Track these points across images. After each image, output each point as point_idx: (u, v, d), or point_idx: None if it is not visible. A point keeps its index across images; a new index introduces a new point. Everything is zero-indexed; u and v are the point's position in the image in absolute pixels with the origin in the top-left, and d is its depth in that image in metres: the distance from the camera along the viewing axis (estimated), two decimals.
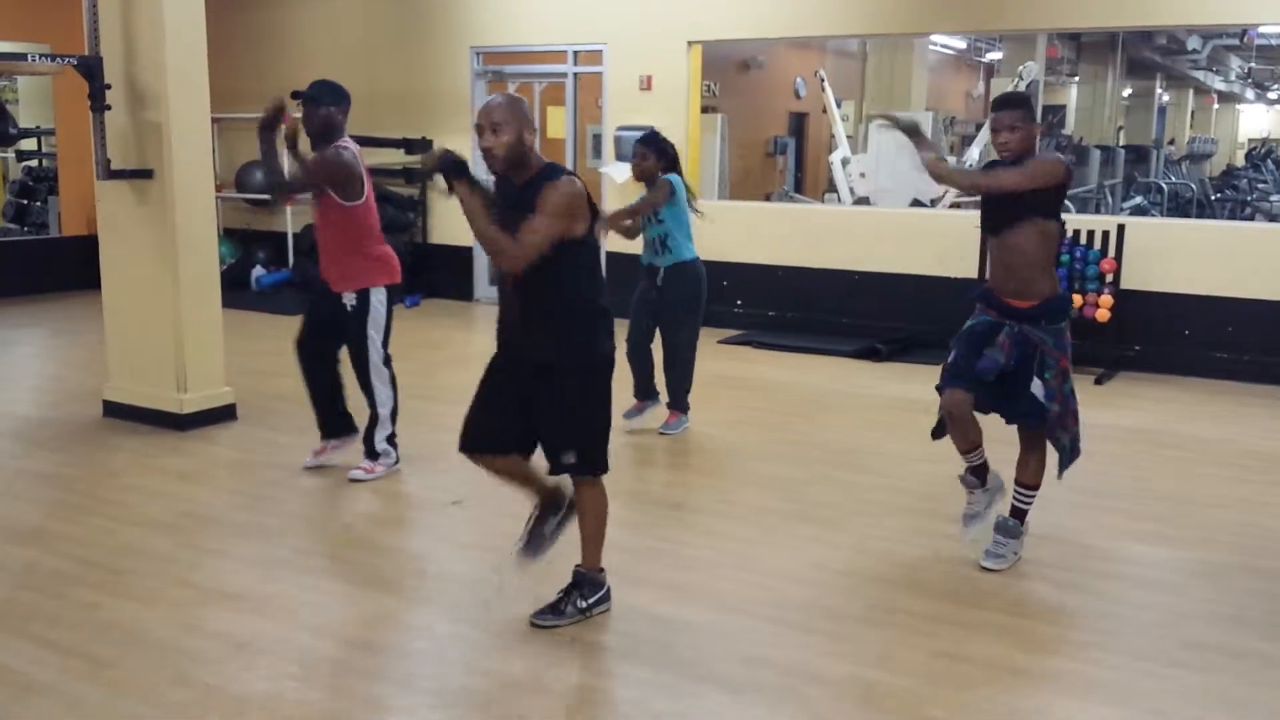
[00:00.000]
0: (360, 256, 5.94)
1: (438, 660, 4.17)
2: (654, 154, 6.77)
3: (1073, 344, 4.97)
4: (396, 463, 6.22)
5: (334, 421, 6.30)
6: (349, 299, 5.94)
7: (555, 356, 4.19)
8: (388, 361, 6.07)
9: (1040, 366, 4.82)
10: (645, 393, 7.15)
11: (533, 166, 4.11)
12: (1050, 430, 4.91)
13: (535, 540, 4.48)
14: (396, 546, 5.39)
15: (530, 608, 4.39)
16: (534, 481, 4.46)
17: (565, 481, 4.42)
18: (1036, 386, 4.83)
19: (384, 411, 6.10)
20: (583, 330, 4.21)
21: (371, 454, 6.16)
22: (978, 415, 4.95)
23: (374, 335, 5.98)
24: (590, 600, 4.39)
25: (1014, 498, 5.06)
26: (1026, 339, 4.81)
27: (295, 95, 5.94)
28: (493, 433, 4.33)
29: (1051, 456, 5.00)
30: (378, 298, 5.97)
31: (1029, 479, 5.02)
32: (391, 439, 6.18)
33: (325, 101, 5.85)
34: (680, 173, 6.89)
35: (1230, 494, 6.15)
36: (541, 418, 4.26)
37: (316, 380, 6.21)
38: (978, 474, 5.06)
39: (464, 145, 12.33)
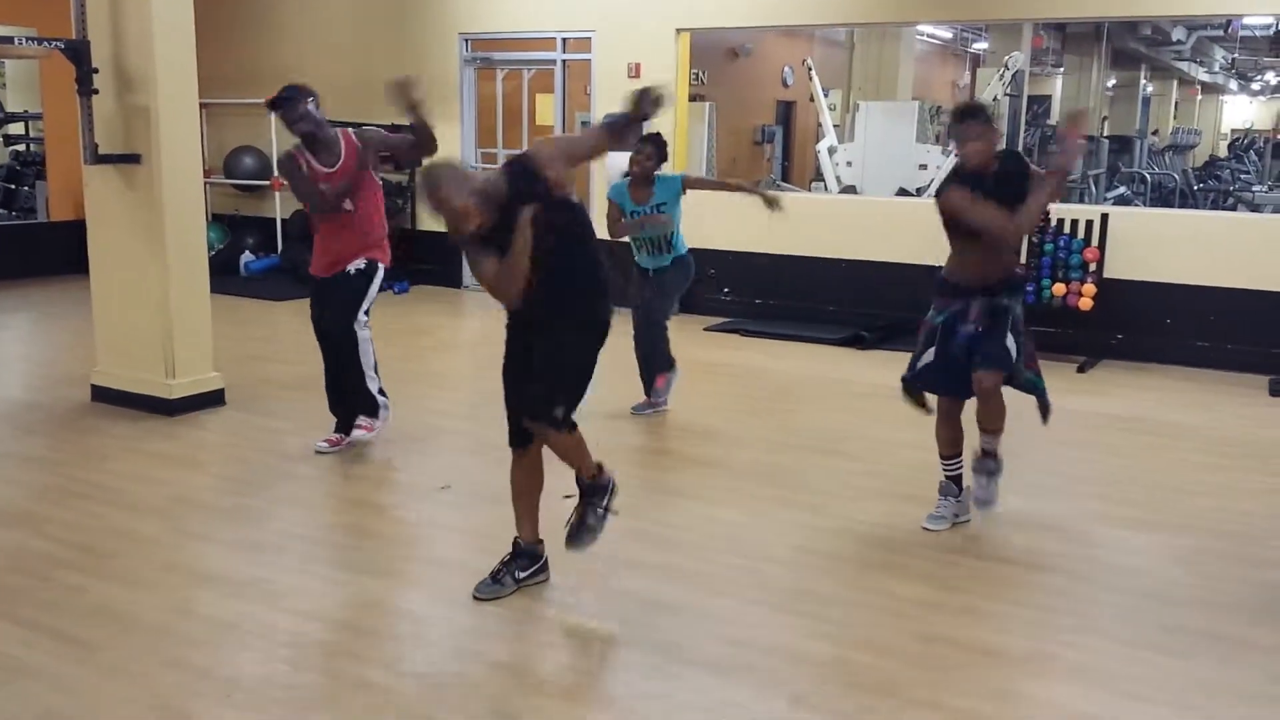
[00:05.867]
0: (374, 235, 6.09)
1: (425, 644, 4.20)
2: (657, 155, 6.91)
3: (1056, 331, 5.10)
4: (388, 413, 6.33)
5: (352, 418, 6.33)
6: (356, 264, 6.03)
7: (562, 315, 4.25)
8: (366, 325, 6.15)
9: (1013, 326, 5.02)
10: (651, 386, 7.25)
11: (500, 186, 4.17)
12: (1020, 377, 5.13)
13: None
14: (385, 530, 5.42)
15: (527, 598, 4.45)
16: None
17: (608, 468, 4.46)
18: (1010, 342, 5.01)
19: (367, 363, 6.16)
20: (596, 290, 4.31)
21: (369, 408, 6.20)
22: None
23: (369, 297, 6.09)
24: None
25: (981, 441, 5.23)
26: (995, 306, 5.02)
27: (270, 104, 5.97)
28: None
29: (1020, 418, 5.21)
30: (381, 270, 6.14)
31: (991, 425, 5.19)
32: (381, 390, 6.25)
33: (297, 96, 5.90)
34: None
35: (1210, 480, 6.21)
36: (536, 367, 4.27)
37: (338, 380, 6.28)
38: (956, 484, 5.35)
39: (451, 133, 12.34)
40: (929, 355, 5.18)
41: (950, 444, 5.33)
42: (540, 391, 4.26)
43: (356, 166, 5.92)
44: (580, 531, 4.39)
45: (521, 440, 4.42)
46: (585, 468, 4.39)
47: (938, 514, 5.32)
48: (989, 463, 5.23)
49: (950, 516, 5.32)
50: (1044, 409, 5.23)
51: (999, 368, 5.02)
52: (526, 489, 4.51)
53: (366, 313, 6.11)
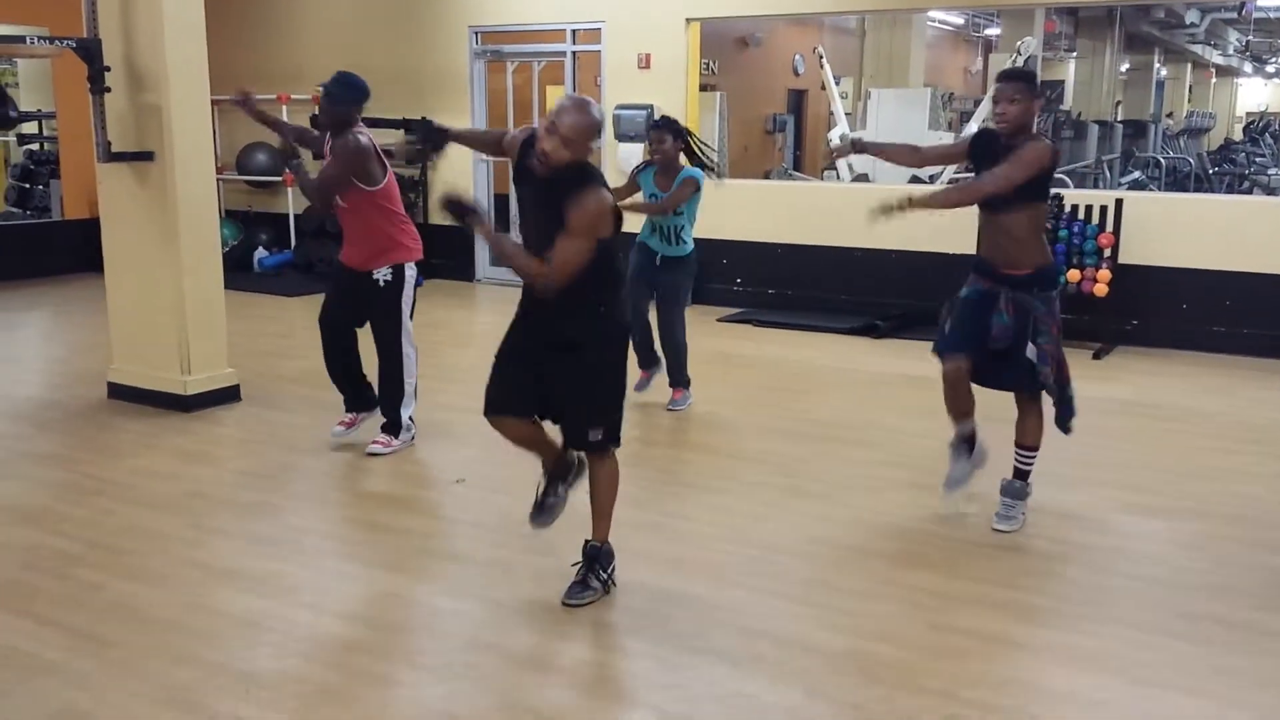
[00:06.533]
0: (390, 235, 6.04)
1: (440, 636, 4.21)
2: (672, 136, 6.77)
3: (1071, 318, 5.05)
4: (413, 438, 6.32)
5: (358, 394, 6.35)
6: (383, 274, 6.00)
7: (583, 335, 4.22)
8: (412, 341, 6.17)
9: (1034, 331, 4.96)
10: (649, 361, 7.24)
11: (573, 163, 4.07)
12: (1046, 388, 5.09)
13: (546, 509, 4.51)
14: (399, 524, 5.43)
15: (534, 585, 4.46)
16: (548, 447, 4.51)
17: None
18: (1031, 350, 4.98)
19: (410, 384, 6.19)
20: (606, 307, 4.26)
21: (394, 427, 6.22)
22: (976, 387, 5.16)
23: (406, 308, 6.09)
24: (609, 570, 4.46)
25: (1015, 459, 5.23)
26: (1020, 305, 4.96)
27: (322, 86, 5.95)
28: (515, 397, 4.35)
29: (1049, 419, 5.19)
30: (410, 272, 6.10)
31: (1028, 441, 5.20)
32: (410, 415, 6.26)
33: (344, 99, 5.87)
34: (694, 153, 6.93)
35: (1225, 466, 6.19)
36: (568, 395, 4.28)
37: (337, 355, 6.26)
38: (967, 441, 5.26)
39: (462, 125, 12.32)
40: (949, 324, 5.16)
41: (959, 406, 5.19)
42: (578, 424, 4.30)
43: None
44: (581, 590, 4.39)
45: (494, 410, 4.38)
46: (602, 527, 4.43)
47: (953, 476, 5.27)
48: (1016, 484, 5.21)
49: (964, 478, 5.27)
50: (1061, 417, 5.19)
51: (1027, 386, 5.06)
52: (526, 434, 4.45)
53: (410, 317, 6.11)
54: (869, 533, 5.19)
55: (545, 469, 4.56)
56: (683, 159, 6.88)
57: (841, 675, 3.88)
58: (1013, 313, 4.96)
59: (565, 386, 4.26)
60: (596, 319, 4.24)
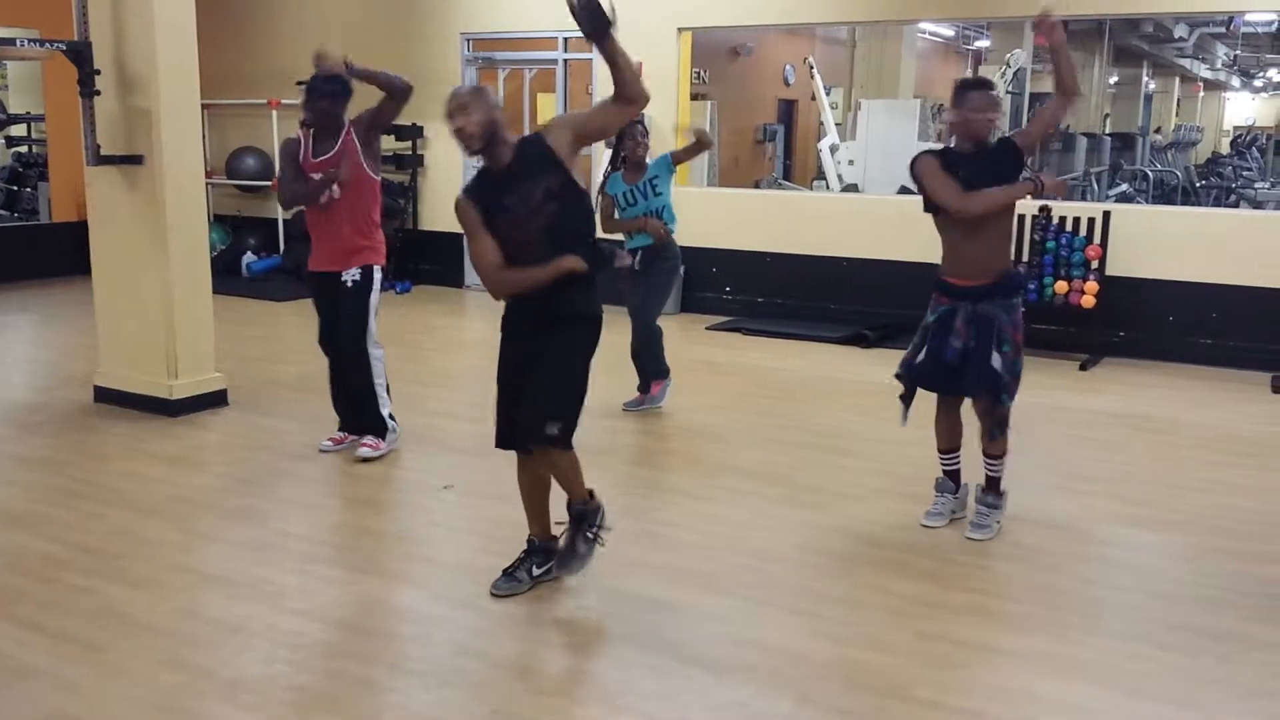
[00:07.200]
0: (365, 234, 6.05)
1: (428, 643, 4.19)
2: (646, 134, 7.04)
3: (1058, 329, 5.06)
4: (398, 436, 6.33)
5: (355, 418, 6.33)
6: (351, 275, 6.01)
7: (566, 308, 4.21)
8: (378, 343, 6.14)
9: (998, 340, 4.97)
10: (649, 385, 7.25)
11: (509, 143, 4.20)
12: (1004, 397, 5.10)
13: (513, 578, 4.50)
14: (387, 530, 5.42)
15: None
16: (542, 520, 4.53)
17: (598, 494, 4.47)
18: (995, 360, 4.98)
19: (380, 384, 6.17)
20: (589, 283, 4.25)
21: (379, 429, 6.21)
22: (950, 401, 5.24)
23: (373, 306, 6.08)
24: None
25: (986, 469, 5.24)
26: (982, 316, 4.98)
27: (300, 83, 6.03)
28: (505, 424, 4.38)
29: (1025, 415, 5.32)
30: (379, 275, 6.11)
31: (995, 450, 5.18)
32: (391, 415, 6.26)
33: (326, 92, 5.89)
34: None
35: (1213, 477, 6.20)
36: (531, 379, 4.23)
37: (339, 373, 6.26)
38: (953, 479, 5.36)
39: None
40: (922, 354, 5.18)
41: (948, 438, 5.33)
42: (533, 411, 4.23)
43: (354, 147, 5.92)
44: (570, 558, 4.39)
45: (507, 444, 4.41)
46: (577, 493, 4.39)
47: (935, 510, 5.33)
48: (990, 496, 5.22)
49: (947, 513, 5.32)
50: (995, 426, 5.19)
51: (994, 393, 5.03)
52: (534, 489, 4.51)
53: (374, 319, 6.10)
54: (858, 541, 5.19)
55: (528, 542, 4.57)
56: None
57: (829, 683, 3.87)
58: (965, 330, 4.99)
59: (535, 368, 4.22)
60: (581, 294, 4.23)
